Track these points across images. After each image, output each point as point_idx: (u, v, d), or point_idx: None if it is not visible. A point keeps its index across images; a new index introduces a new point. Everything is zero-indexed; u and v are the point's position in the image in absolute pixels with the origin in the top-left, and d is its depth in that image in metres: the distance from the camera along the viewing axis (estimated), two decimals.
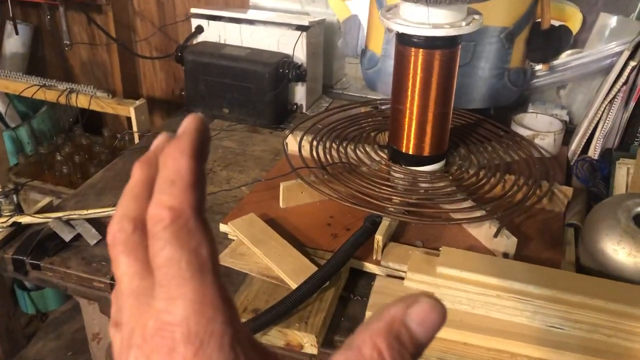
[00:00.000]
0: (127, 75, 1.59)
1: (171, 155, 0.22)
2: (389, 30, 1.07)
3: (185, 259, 0.21)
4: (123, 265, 0.22)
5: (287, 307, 0.65)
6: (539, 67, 1.16)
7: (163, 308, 0.20)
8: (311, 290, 0.67)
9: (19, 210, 0.86)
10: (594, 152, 1.01)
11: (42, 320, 1.59)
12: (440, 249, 0.72)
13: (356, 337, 0.21)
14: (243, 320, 0.65)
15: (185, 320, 0.20)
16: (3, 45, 1.63)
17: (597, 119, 0.99)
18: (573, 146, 1.03)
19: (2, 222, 0.82)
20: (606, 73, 1.13)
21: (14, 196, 0.87)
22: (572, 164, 1.01)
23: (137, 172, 0.24)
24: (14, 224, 0.83)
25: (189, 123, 0.24)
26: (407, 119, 0.86)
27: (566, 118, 1.14)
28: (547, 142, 1.01)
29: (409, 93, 0.84)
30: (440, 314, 0.21)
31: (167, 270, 0.21)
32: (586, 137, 1.01)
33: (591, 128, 1.00)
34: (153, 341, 0.20)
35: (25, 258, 0.78)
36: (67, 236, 0.80)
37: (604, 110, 0.98)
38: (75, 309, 1.58)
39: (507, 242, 0.75)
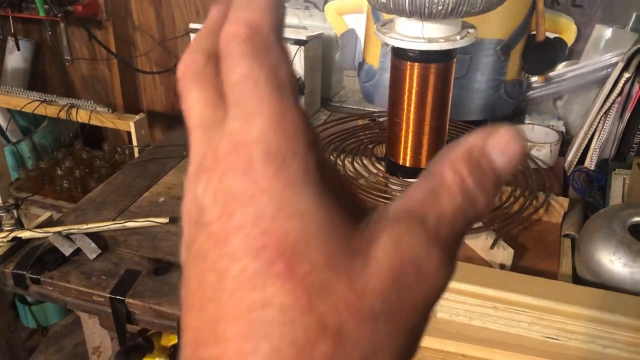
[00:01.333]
0: (127, 89, 1.60)
1: None
2: (386, 44, 1.08)
3: (264, 75, 0.19)
4: (194, 96, 0.20)
5: None
6: (535, 78, 1.18)
7: (238, 126, 0.18)
8: None
9: (19, 224, 0.86)
10: (590, 162, 1.01)
11: (43, 334, 1.59)
12: None
13: (436, 164, 0.19)
14: None
15: (264, 136, 0.18)
16: (5, 61, 1.64)
17: (592, 129, 1.00)
18: (569, 157, 1.04)
19: (3, 237, 0.82)
20: (602, 84, 1.14)
21: (15, 211, 0.88)
22: (568, 174, 1.02)
23: (214, 10, 0.22)
24: (14, 238, 0.83)
25: None
26: (403, 132, 0.87)
27: (563, 129, 1.15)
28: (543, 153, 1.02)
29: (405, 106, 0.85)
30: (521, 144, 0.19)
31: (243, 87, 0.19)
32: (582, 148, 1.02)
33: (587, 139, 1.01)
34: (227, 161, 0.18)
35: (25, 272, 0.79)
36: (67, 250, 0.81)
37: (600, 121, 0.99)
38: (76, 322, 1.58)
39: (504, 254, 0.76)
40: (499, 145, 0.19)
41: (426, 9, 0.72)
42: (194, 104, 0.20)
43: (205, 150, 0.19)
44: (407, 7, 0.72)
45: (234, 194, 0.17)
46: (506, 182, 0.20)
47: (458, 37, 0.79)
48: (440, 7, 0.71)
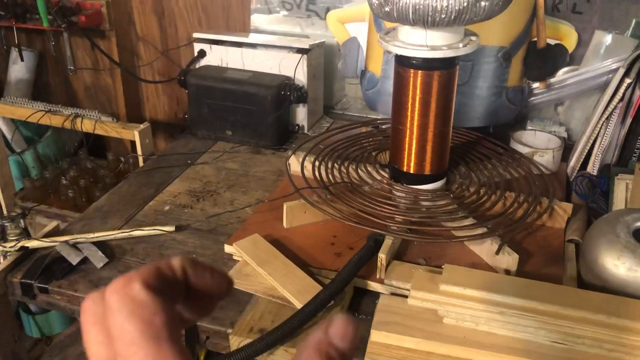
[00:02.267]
0: (130, 99, 1.61)
1: (171, 257, 0.27)
2: (388, 52, 1.09)
3: (139, 329, 0.22)
4: (91, 335, 0.24)
5: (293, 327, 0.65)
6: (536, 85, 1.18)
7: None
8: (316, 310, 0.68)
9: (26, 234, 0.87)
10: (592, 168, 1.02)
11: (47, 343, 1.59)
12: (443, 266, 0.73)
13: None
14: (249, 340, 0.66)
15: None
16: (8, 72, 1.65)
17: (594, 135, 1.01)
18: (572, 162, 1.04)
19: (10, 247, 0.83)
20: (603, 90, 1.15)
21: (22, 220, 0.88)
22: (571, 180, 1.03)
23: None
24: (22, 248, 0.84)
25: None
26: (407, 139, 0.87)
27: (565, 135, 1.16)
28: (546, 159, 1.03)
29: (409, 113, 0.85)
30: (354, 325, 0.24)
31: (122, 340, 0.22)
32: (584, 154, 1.02)
33: (589, 144, 1.01)
34: None
35: (33, 282, 0.79)
36: (74, 259, 0.81)
37: (602, 126, 1.00)
38: (80, 332, 1.58)
39: (509, 259, 0.76)
40: (338, 332, 0.24)
41: (429, 17, 0.73)
42: (91, 343, 0.24)
43: None
44: (410, 15, 0.73)
45: None
46: None
47: (461, 45, 0.79)
48: (443, 16, 0.72)
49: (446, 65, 0.81)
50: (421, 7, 0.72)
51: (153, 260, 0.82)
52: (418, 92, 0.83)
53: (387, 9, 0.75)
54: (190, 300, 0.27)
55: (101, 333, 0.23)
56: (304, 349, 0.23)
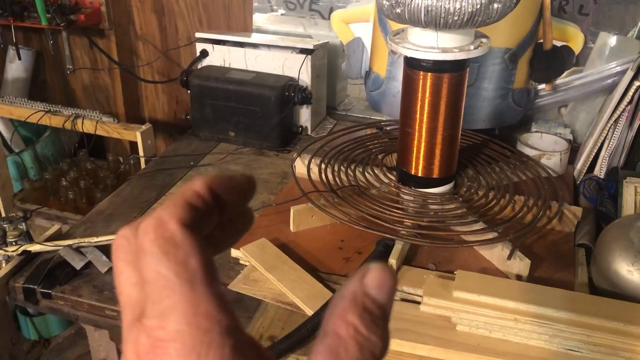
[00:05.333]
0: (129, 98, 1.59)
1: (191, 182, 0.24)
2: (393, 53, 1.08)
3: (173, 271, 0.20)
4: (123, 275, 0.22)
5: (305, 334, 0.64)
6: (541, 86, 1.18)
7: (154, 324, 0.20)
8: None
9: (28, 238, 0.85)
10: (599, 171, 1.01)
11: (45, 346, 1.57)
12: (455, 272, 0.72)
13: (328, 324, 0.21)
14: None
15: (179, 335, 0.19)
16: (5, 70, 1.63)
17: (602, 138, 1.00)
18: (579, 165, 1.04)
19: (13, 251, 0.81)
20: (608, 92, 1.14)
21: (23, 224, 0.87)
22: (578, 183, 1.02)
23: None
24: (24, 252, 0.82)
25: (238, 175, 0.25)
26: (416, 142, 0.86)
27: (570, 137, 1.15)
28: (553, 161, 1.02)
29: (418, 116, 0.84)
30: (391, 275, 0.22)
31: (155, 284, 0.20)
32: (592, 156, 1.02)
33: (597, 147, 1.01)
34: (147, 358, 0.20)
35: (36, 287, 0.78)
36: (77, 264, 0.80)
37: (610, 129, 0.99)
38: (78, 334, 1.56)
39: (521, 264, 0.75)
40: (375, 283, 0.22)
41: (442, 19, 0.72)
42: (123, 282, 0.22)
43: (128, 340, 0.21)
44: (422, 17, 0.72)
45: None
46: None
47: (472, 47, 0.78)
48: (456, 18, 0.71)
49: (456, 67, 0.80)
50: (433, 9, 0.71)
51: None
52: (427, 94, 0.82)
53: (398, 10, 0.74)
54: (224, 219, 0.25)
55: (135, 274, 0.22)
56: (338, 301, 0.21)
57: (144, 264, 0.21)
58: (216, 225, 0.24)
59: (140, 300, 0.21)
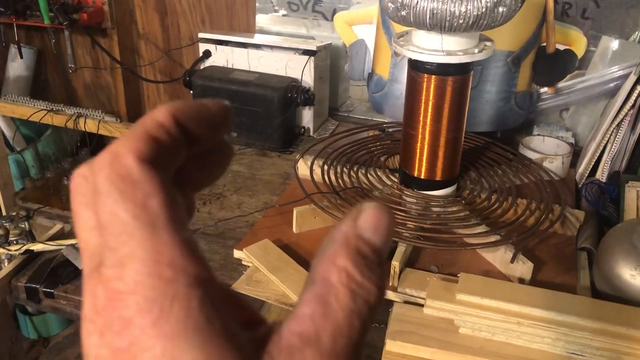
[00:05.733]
0: (131, 98, 1.59)
1: (153, 111, 0.20)
2: (396, 55, 1.08)
3: (131, 212, 0.17)
4: (81, 219, 0.19)
5: None
6: (544, 90, 1.18)
7: (112, 274, 0.17)
8: None
9: (31, 237, 0.85)
10: (601, 174, 1.02)
11: (44, 345, 1.57)
12: (458, 275, 0.72)
13: (317, 269, 0.19)
14: None
15: (138, 286, 0.17)
16: (7, 69, 1.63)
17: (604, 142, 1.00)
18: (581, 169, 1.04)
19: (15, 250, 0.81)
20: (610, 96, 1.15)
21: (26, 223, 0.86)
22: (580, 186, 1.02)
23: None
24: (27, 251, 0.82)
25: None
26: (419, 144, 0.86)
27: (572, 140, 1.15)
28: (555, 165, 1.02)
29: (421, 118, 0.84)
30: (388, 215, 0.19)
31: (112, 228, 0.18)
32: (594, 160, 1.02)
33: (599, 151, 1.01)
34: (104, 315, 0.17)
35: (38, 286, 0.78)
36: (80, 263, 0.80)
37: (612, 133, 0.99)
38: (78, 333, 1.56)
39: (523, 267, 0.76)
40: (370, 223, 0.19)
41: (447, 23, 0.72)
42: (81, 226, 0.19)
43: (86, 295, 0.18)
44: (427, 20, 0.72)
45: (117, 352, 0.17)
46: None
47: (476, 50, 0.78)
48: (461, 21, 0.71)
49: (461, 70, 0.80)
50: (439, 12, 0.71)
51: None
52: (431, 97, 0.82)
53: (403, 13, 0.74)
54: (197, 154, 0.21)
55: (93, 217, 0.18)
56: (329, 244, 0.19)
57: (100, 205, 0.18)
58: (190, 161, 0.21)
59: (98, 247, 0.18)
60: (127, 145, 0.18)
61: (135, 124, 0.20)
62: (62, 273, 0.79)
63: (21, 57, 1.52)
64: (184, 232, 0.18)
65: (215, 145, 0.22)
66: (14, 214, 0.98)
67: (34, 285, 0.78)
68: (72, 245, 0.83)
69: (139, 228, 0.17)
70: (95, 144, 1.50)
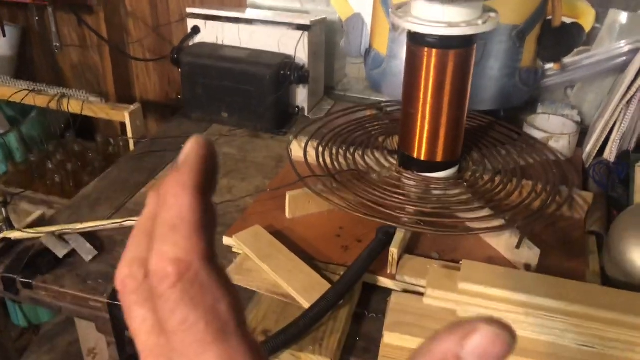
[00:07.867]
0: (119, 78, 1.54)
1: (171, 192, 0.18)
2: (395, 29, 1.03)
3: (203, 320, 0.17)
4: (137, 319, 0.19)
5: (301, 329, 0.60)
6: (549, 66, 1.13)
7: None
8: (325, 310, 0.62)
9: (8, 224, 0.80)
10: (610, 154, 0.97)
11: (35, 333, 1.54)
12: (460, 262, 0.68)
13: None
14: None
15: None
16: None
17: (613, 120, 0.95)
18: (588, 148, 0.99)
19: None
20: (618, 72, 1.09)
21: (3, 209, 0.82)
22: (587, 167, 0.98)
23: (151, 203, 0.20)
24: (4, 239, 0.78)
25: (191, 148, 0.19)
26: (419, 124, 0.82)
27: (578, 118, 1.11)
28: (561, 144, 0.97)
29: (422, 96, 0.80)
30: (506, 344, 0.16)
31: (183, 335, 0.17)
32: (602, 139, 0.97)
33: (607, 130, 0.96)
34: None
35: (16, 276, 0.73)
36: (60, 252, 0.75)
37: (621, 111, 0.94)
38: (69, 321, 1.52)
39: (530, 253, 0.71)
40: (478, 350, 0.16)
41: None
42: (139, 326, 0.19)
43: None
44: None
45: None
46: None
47: (480, 22, 0.73)
48: None
49: (463, 44, 0.75)
50: None
51: None
52: (432, 72, 0.77)
53: None
54: None
55: (150, 316, 0.18)
56: (421, 356, 0.17)
57: (165, 312, 0.18)
58: None
59: (162, 349, 0.18)
60: (189, 249, 0.18)
61: (169, 219, 0.18)
62: (41, 262, 0.74)
63: (4, 35, 1.45)
64: (249, 334, 0.18)
65: None
66: None
67: (11, 276, 0.73)
68: (52, 233, 0.78)
69: (212, 336, 0.18)
70: (83, 125, 1.44)
